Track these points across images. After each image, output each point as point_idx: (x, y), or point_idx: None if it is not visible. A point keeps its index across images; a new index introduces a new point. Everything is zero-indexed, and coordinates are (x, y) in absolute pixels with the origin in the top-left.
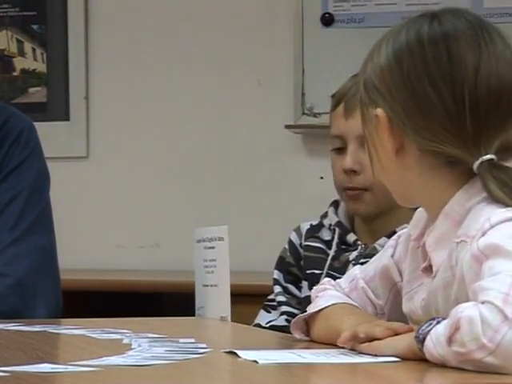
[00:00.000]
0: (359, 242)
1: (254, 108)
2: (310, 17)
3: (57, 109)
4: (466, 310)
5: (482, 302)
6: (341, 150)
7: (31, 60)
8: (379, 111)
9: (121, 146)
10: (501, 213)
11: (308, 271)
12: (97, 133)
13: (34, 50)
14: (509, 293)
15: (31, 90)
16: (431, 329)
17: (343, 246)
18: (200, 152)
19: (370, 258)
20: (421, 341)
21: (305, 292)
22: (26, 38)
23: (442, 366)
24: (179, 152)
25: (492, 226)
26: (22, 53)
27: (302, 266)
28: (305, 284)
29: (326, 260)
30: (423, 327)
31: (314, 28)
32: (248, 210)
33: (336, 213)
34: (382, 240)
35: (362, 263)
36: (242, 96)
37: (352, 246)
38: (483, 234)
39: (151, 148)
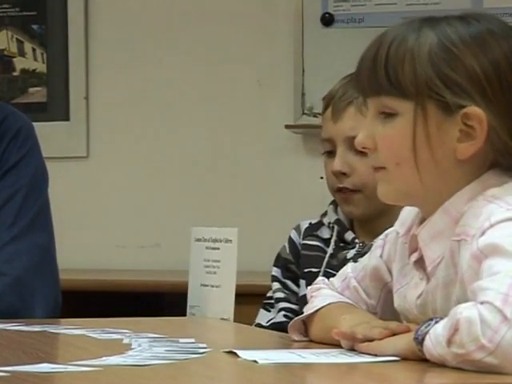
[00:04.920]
0: (357, 240)
1: (254, 108)
2: (310, 17)
3: (57, 109)
4: (465, 311)
5: (481, 303)
6: (331, 154)
7: (31, 60)
8: (476, 110)
9: (121, 146)
10: (501, 212)
11: (305, 270)
12: (97, 133)
13: (34, 50)
14: (508, 293)
15: (31, 90)
16: (430, 329)
17: (341, 244)
18: (200, 152)
19: None
20: (420, 342)
21: (303, 290)
22: (26, 37)
23: (441, 365)
24: (179, 152)
25: (492, 225)
26: (22, 53)
27: (300, 263)
28: (302, 282)
29: (324, 258)
30: (421, 328)
31: (314, 28)
32: (248, 209)
33: (335, 211)
34: None
35: None
36: (242, 96)
37: (350, 244)
38: (483, 233)
39: (151, 148)
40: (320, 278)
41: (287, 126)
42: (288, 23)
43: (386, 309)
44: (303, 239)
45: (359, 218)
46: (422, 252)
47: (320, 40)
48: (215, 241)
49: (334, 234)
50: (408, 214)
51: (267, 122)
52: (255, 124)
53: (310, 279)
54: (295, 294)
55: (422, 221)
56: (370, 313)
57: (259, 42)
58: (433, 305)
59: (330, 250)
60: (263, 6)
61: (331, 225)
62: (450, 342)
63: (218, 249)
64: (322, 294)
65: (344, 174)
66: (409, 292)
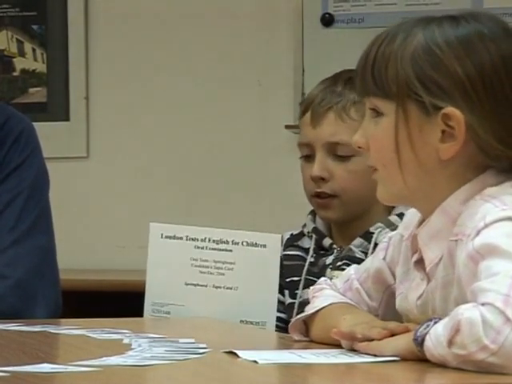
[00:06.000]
0: (335, 246)
1: (254, 108)
2: (310, 17)
3: (57, 109)
4: (466, 312)
5: (483, 304)
6: (309, 158)
7: (31, 60)
8: (453, 111)
9: (121, 146)
10: (496, 212)
11: (287, 279)
12: (97, 133)
13: (34, 50)
14: (509, 294)
15: (31, 90)
16: (429, 330)
17: (321, 252)
18: (200, 152)
19: (347, 259)
20: (419, 343)
21: (287, 300)
22: (26, 38)
23: (441, 366)
24: (179, 152)
25: (486, 225)
26: (22, 53)
27: (283, 274)
28: (286, 292)
29: (304, 266)
30: (421, 329)
31: (314, 28)
32: (248, 209)
33: (313, 220)
34: (357, 241)
35: (339, 266)
36: (242, 96)
37: (328, 251)
38: (478, 233)
39: (151, 148)
40: (323, 279)
41: (287, 126)
42: (288, 23)
43: (387, 311)
44: (284, 250)
45: (335, 222)
46: (421, 252)
47: (320, 40)
48: (221, 242)
49: (313, 242)
50: (412, 216)
51: (267, 122)
52: (255, 124)
53: (292, 288)
54: (282, 303)
55: (422, 221)
56: (372, 315)
57: (259, 42)
58: (432, 305)
59: (309, 259)
60: (263, 5)
61: (309, 234)
62: (450, 343)
63: (231, 251)
64: (323, 294)
65: (323, 179)
66: (410, 293)
